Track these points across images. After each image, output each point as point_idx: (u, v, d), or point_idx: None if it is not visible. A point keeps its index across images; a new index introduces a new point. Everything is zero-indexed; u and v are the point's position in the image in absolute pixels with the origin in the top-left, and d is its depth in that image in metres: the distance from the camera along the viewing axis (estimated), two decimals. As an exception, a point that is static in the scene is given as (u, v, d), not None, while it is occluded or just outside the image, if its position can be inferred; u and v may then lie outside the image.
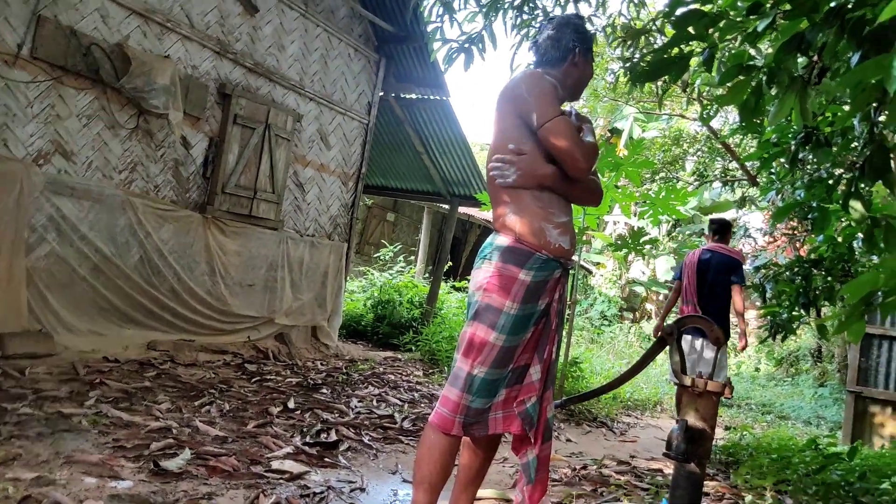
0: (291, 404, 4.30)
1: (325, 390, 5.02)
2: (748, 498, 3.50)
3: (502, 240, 2.18)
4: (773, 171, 4.16)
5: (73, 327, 4.67)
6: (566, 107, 2.50)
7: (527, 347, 2.18)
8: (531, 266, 2.14)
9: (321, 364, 6.24)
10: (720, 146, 10.86)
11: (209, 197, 5.66)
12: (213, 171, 5.66)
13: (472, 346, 2.14)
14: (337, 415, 4.29)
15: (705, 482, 3.78)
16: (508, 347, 2.13)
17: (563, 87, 2.35)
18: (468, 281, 8.93)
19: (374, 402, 4.90)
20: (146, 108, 4.91)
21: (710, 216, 6.14)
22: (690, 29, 2.43)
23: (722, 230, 5.42)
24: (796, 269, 3.44)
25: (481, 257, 2.22)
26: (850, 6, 2.19)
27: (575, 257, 7.22)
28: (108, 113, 4.80)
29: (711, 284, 5.11)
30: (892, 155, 3.82)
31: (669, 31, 3.68)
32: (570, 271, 2.29)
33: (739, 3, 2.40)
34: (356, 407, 4.61)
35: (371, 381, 5.78)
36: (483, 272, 2.18)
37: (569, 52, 2.36)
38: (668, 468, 4.05)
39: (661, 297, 16.75)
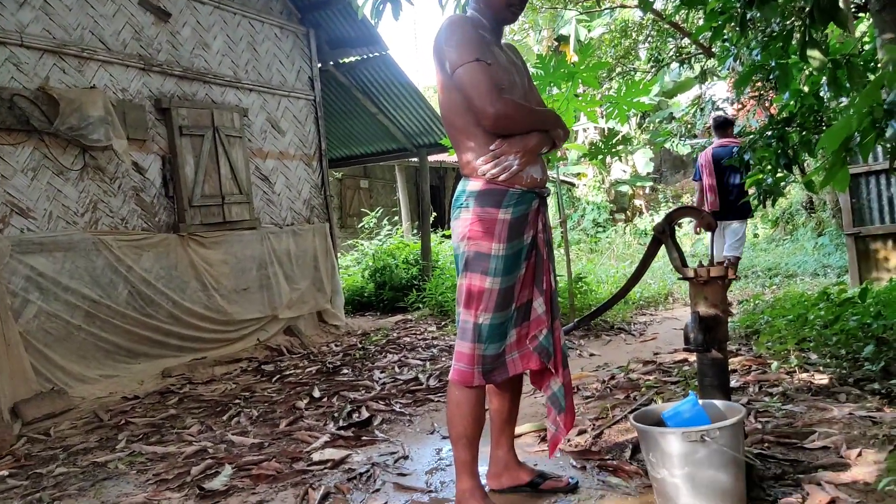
0: (317, 393, 4.33)
1: (345, 371, 5.04)
2: (774, 364, 3.56)
3: (474, 184, 2.14)
4: (725, 38, 4.08)
5: (84, 377, 4.66)
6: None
7: (524, 283, 2.17)
8: (508, 203, 2.11)
9: (335, 346, 6.26)
10: (668, 26, 10.68)
11: (179, 214, 5.56)
12: (174, 188, 5.54)
13: (472, 296, 2.12)
14: (363, 391, 4.32)
15: (731, 358, 3.85)
16: (506, 288, 2.12)
17: (487, 17, 2.21)
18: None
19: (397, 369, 4.93)
20: (88, 145, 4.78)
21: (713, 115, 6.38)
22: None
23: (724, 125, 5.86)
24: (770, 133, 3.41)
25: (457, 206, 2.19)
26: None
27: (553, 173, 7.19)
28: (52, 159, 4.67)
29: (730, 177, 5.58)
30: (837, -8, 3.74)
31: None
32: (548, 198, 2.25)
33: None
34: (380, 378, 4.64)
35: (388, 349, 5.81)
36: (462, 221, 2.15)
37: None
38: (693, 356, 4.11)
39: (646, 191, 16.80)
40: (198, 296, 5.60)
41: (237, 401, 4.32)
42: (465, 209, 2.15)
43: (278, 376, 5.00)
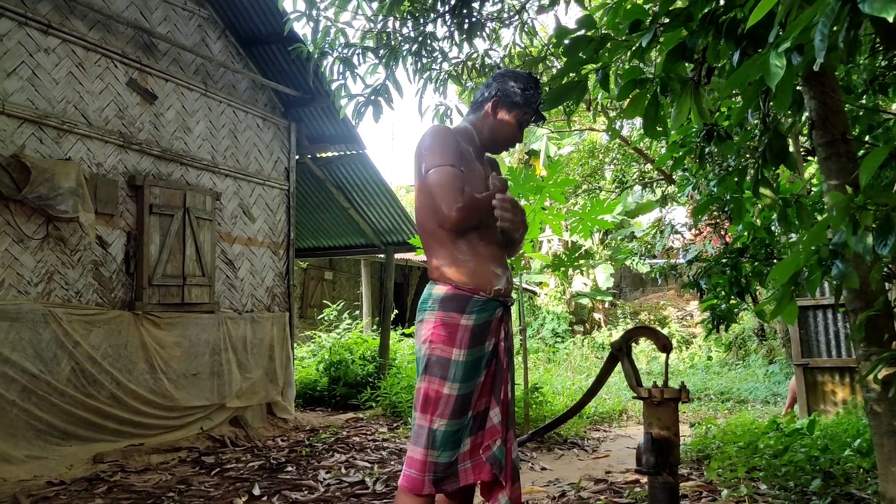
0: (257, 491, 4.13)
1: (290, 468, 4.84)
2: (724, 492, 3.54)
3: (439, 289, 2.18)
4: (685, 168, 4.33)
5: (9, 456, 4.37)
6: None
7: (482, 391, 2.17)
8: (471, 310, 2.14)
9: (282, 440, 6.04)
10: (633, 152, 11.27)
11: (136, 292, 5.46)
12: (136, 265, 5.47)
13: (429, 400, 2.11)
14: (306, 492, 4.14)
15: (681, 483, 3.82)
16: (464, 395, 2.11)
17: (480, 136, 2.36)
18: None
19: (343, 470, 4.76)
20: (54, 215, 4.73)
21: None
22: (581, 54, 2.52)
23: None
24: (725, 261, 3.56)
25: (422, 310, 2.21)
26: (720, 11, 2.33)
27: (516, 280, 7.29)
28: (14, 227, 4.60)
29: None
30: (789, 138, 4.04)
31: (563, 56, 3.81)
32: (511, 306, 2.29)
33: (620, 25, 2.51)
34: (325, 479, 4.46)
35: (336, 448, 5.62)
36: (426, 325, 2.17)
37: (486, 100, 2.36)
38: (645, 478, 4.07)
39: (606, 305, 17.07)
40: (144, 378, 5.40)
41: (171, 493, 4.10)
42: (429, 312, 2.17)
43: (218, 469, 4.77)
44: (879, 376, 2.26)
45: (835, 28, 1.47)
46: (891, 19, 1.24)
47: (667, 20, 2.42)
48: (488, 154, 2.48)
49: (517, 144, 2.41)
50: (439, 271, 2.20)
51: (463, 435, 2.13)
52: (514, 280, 9.51)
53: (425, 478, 2.06)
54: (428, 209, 2.19)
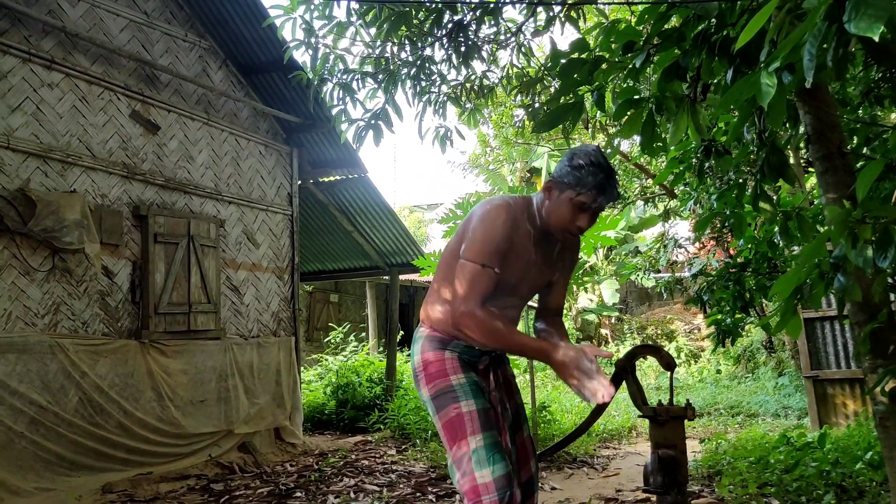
0: (266, 518, 4.11)
1: (298, 493, 4.82)
2: (737, 508, 3.51)
3: (423, 331, 2.26)
4: (686, 183, 4.35)
5: (19, 489, 4.37)
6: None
7: (498, 418, 2.17)
8: (452, 349, 2.20)
9: (290, 465, 6.01)
10: (634, 167, 11.30)
11: (143, 321, 5.48)
12: (141, 294, 5.50)
13: (454, 427, 2.06)
14: (315, 518, 4.12)
15: (692, 500, 3.79)
16: (484, 409, 2.08)
17: (541, 216, 2.17)
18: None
19: (352, 494, 4.74)
20: (60, 247, 4.77)
21: None
22: (576, 76, 2.56)
23: None
24: (728, 275, 3.57)
25: (412, 355, 2.28)
26: (712, 30, 2.36)
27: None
28: (21, 259, 4.63)
29: None
30: (788, 151, 4.06)
31: (559, 76, 3.85)
32: (502, 355, 2.32)
33: (614, 46, 2.54)
34: (334, 505, 4.44)
35: (344, 472, 5.60)
36: (417, 368, 2.22)
37: (549, 181, 2.16)
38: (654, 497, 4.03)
39: (612, 321, 17.01)
40: (151, 406, 5.40)
41: (180, 523, 4.08)
42: (416, 356, 2.24)
43: (227, 497, 4.76)
44: (886, 388, 2.25)
45: (824, 46, 1.49)
46: (877, 38, 1.26)
47: (660, 40, 2.45)
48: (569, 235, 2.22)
49: (581, 228, 2.13)
50: (428, 314, 2.26)
51: (503, 449, 2.05)
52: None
53: (484, 500, 1.94)
54: (449, 280, 2.13)
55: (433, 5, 4.08)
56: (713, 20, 2.29)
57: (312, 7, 4.01)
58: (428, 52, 4.51)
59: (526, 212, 2.17)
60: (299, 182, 7.64)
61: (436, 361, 2.16)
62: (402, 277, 10.09)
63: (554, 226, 2.13)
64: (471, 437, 2.01)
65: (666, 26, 2.47)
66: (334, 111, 4.48)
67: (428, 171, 54.03)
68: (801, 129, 2.70)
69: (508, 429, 2.21)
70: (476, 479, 1.96)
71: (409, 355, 10.04)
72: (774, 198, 3.35)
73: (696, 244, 11.27)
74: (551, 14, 4.16)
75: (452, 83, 4.85)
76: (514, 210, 2.13)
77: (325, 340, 12.02)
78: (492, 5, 4.18)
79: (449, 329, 2.16)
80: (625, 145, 11.62)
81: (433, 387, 2.14)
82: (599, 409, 2.55)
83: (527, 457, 2.27)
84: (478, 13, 4.21)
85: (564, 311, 16.02)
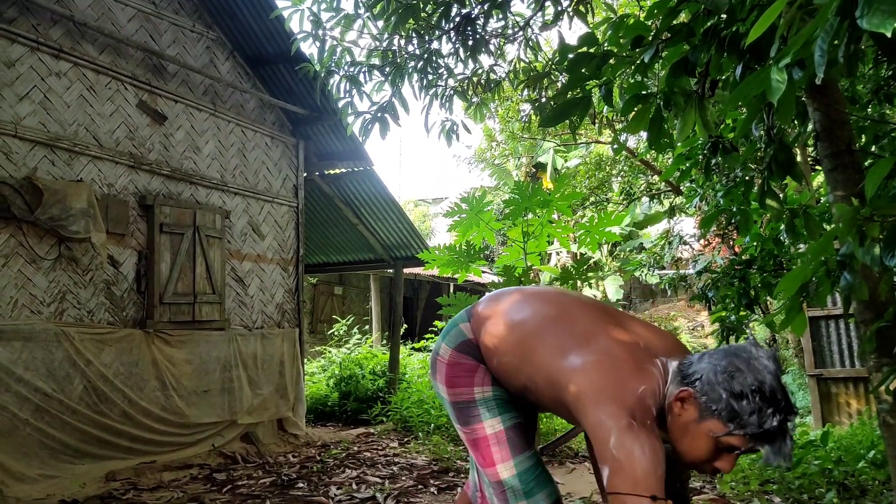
0: (269, 508, 4.14)
1: (301, 484, 4.84)
2: (738, 505, 3.51)
3: (467, 325, 1.94)
4: (692, 179, 4.33)
5: (23, 475, 4.40)
6: None
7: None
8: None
9: (293, 456, 6.04)
10: (640, 163, 11.27)
11: (148, 311, 5.50)
12: (147, 284, 5.52)
13: (480, 449, 1.81)
14: (318, 509, 4.14)
15: (694, 497, 3.79)
16: (512, 426, 1.81)
17: (663, 421, 1.64)
18: (426, 340, 8.77)
19: (354, 486, 4.76)
20: (66, 236, 4.79)
21: None
22: (584, 70, 2.55)
23: None
24: (733, 272, 3.56)
25: (442, 339, 1.97)
26: (722, 25, 2.34)
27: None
28: (27, 248, 4.65)
29: None
30: (795, 148, 4.04)
31: (567, 71, 3.83)
32: None
33: (622, 40, 2.53)
34: (336, 495, 4.46)
35: (347, 463, 5.62)
36: (440, 360, 1.94)
37: (705, 404, 1.54)
38: (657, 490, 4.04)
39: (616, 317, 16.98)
40: (156, 395, 5.43)
41: (183, 511, 4.11)
42: (446, 345, 1.95)
43: (230, 486, 4.78)
44: (891, 387, 2.25)
45: (835, 42, 1.48)
46: (889, 34, 1.25)
47: (669, 35, 2.44)
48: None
49: (717, 471, 1.61)
50: (485, 344, 1.88)
51: (545, 469, 1.82)
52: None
53: None
54: (556, 388, 1.68)
55: (441, -2, 4.07)
56: (723, 15, 2.28)
57: (320, -1, 4.01)
58: (435, 45, 4.50)
59: (652, 396, 1.59)
60: (305, 174, 7.65)
61: (467, 365, 1.86)
62: (406, 271, 10.10)
63: (681, 451, 1.61)
64: (501, 464, 1.75)
65: (675, 21, 2.45)
66: (341, 103, 4.48)
67: (433, 165, 53.99)
68: (810, 127, 2.69)
69: None
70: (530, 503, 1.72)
71: (412, 348, 10.05)
72: (781, 195, 3.33)
73: (701, 241, 11.24)
74: (559, 8, 4.14)
75: (459, 77, 4.84)
76: (649, 399, 1.57)
77: (329, 333, 12.05)
78: (500, -1, 4.16)
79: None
80: (631, 141, 11.59)
81: (453, 394, 1.87)
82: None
83: None
84: (486, 7, 4.20)
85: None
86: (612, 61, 2.52)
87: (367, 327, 12.44)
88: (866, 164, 2.62)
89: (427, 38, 4.45)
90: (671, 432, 1.59)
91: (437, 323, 9.04)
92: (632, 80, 2.71)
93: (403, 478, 5.00)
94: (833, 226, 2.51)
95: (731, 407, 1.46)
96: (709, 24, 2.33)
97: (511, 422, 1.81)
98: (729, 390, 1.47)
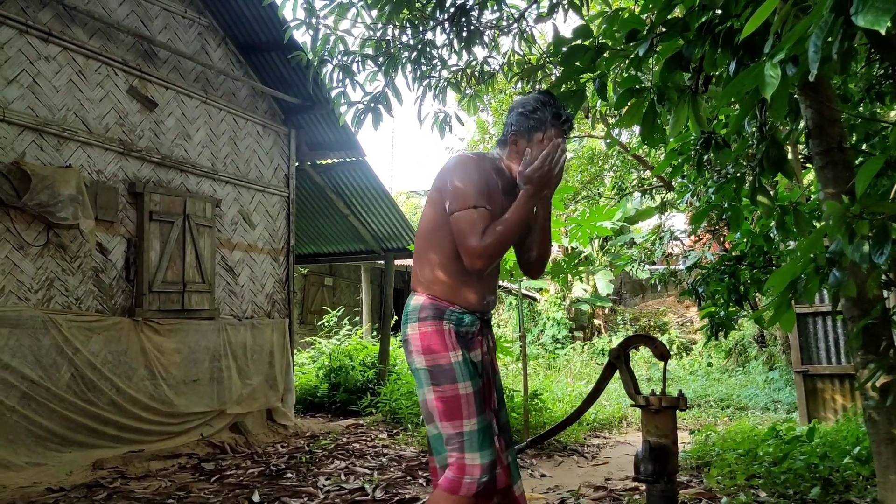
0: (256, 498, 4.13)
1: (289, 474, 4.84)
2: (724, 500, 3.54)
3: (417, 298, 2.23)
4: (683, 175, 4.34)
5: (9, 463, 4.38)
6: None
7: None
8: (448, 318, 2.17)
9: (282, 447, 6.03)
10: (632, 158, 11.29)
11: (136, 299, 5.47)
12: (136, 272, 5.48)
13: (450, 407, 2.10)
14: (305, 499, 4.14)
15: (681, 491, 3.82)
16: (477, 391, 2.13)
17: (510, 170, 2.29)
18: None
19: (343, 477, 4.76)
20: (54, 222, 4.75)
21: None
22: (578, 63, 2.54)
23: None
24: (723, 268, 3.57)
25: (405, 322, 2.24)
26: (716, 20, 2.34)
27: (515, 286, 7.21)
28: (14, 234, 4.61)
29: None
30: (787, 146, 4.06)
31: (561, 64, 3.82)
32: (489, 320, 2.32)
33: (617, 34, 2.52)
34: (324, 486, 4.46)
35: (336, 454, 5.62)
36: (412, 336, 2.20)
37: (509, 134, 2.30)
38: (644, 486, 4.07)
39: (606, 312, 17.06)
40: (144, 384, 5.40)
41: (170, 500, 4.10)
42: (412, 324, 2.21)
43: (218, 476, 4.77)
44: (877, 384, 2.27)
45: (829, 39, 1.48)
46: (883, 32, 1.25)
47: (664, 30, 2.43)
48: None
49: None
50: (421, 283, 2.24)
51: (493, 432, 2.13)
52: (514, 286, 9.46)
53: (464, 480, 2.04)
54: (437, 231, 2.19)
55: (436, -12, 4.05)
56: (718, 11, 2.28)
57: (314, -14, 3.97)
58: (429, 36, 4.48)
59: (492, 165, 2.25)
60: (296, 164, 7.61)
61: (435, 333, 2.14)
62: (397, 263, 10.08)
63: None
64: (466, 419, 2.08)
65: (670, 16, 2.45)
66: (333, 93, 4.45)
67: (426, 156, 53.90)
68: (802, 124, 2.69)
69: (497, 398, 2.27)
70: (465, 459, 2.05)
71: (402, 340, 10.08)
72: (772, 192, 3.35)
73: (692, 237, 11.29)
74: (554, 1, 4.13)
75: (453, 68, 4.82)
76: (482, 162, 2.23)
77: (319, 323, 12.03)
78: (495, -10, 4.14)
79: (445, 291, 2.17)
80: (623, 136, 11.60)
81: (431, 359, 2.13)
82: (590, 399, 2.56)
83: (510, 436, 2.29)
84: (481, -2, 4.18)
85: (559, 301, 16.08)
86: (606, 55, 2.51)
87: (357, 318, 12.44)
88: (857, 161, 2.64)
89: (421, 28, 4.42)
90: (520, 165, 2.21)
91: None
92: (626, 74, 2.71)
93: (392, 469, 5.01)
94: (823, 223, 2.53)
95: (534, 118, 2.25)
96: (704, 19, 2.33)
97: (478, 387, 2.13)
98: (526, 113, 2.27)
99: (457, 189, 2.12)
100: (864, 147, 3.14)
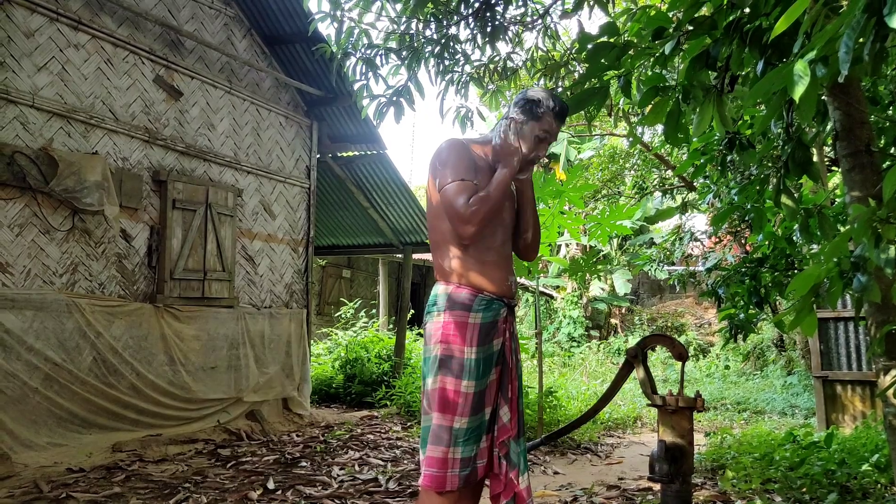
0: (271, 485, 4.18)
1: (304, 463, 4.89)
2: (738, 503, 3.52)
3: (445, 288, 2.24)
4: (706, 175, 4.30)
5: (32, 443, 4.47)
6: None
7: (494, 390, 2.20)
8: (477, 308, 2.19)
9: (297, 436, 6.09)
10: (654, 157, 11.20)
11: (158, 285, 5.54)
12: (158, 259, 5.55)
13: (447, 401, 2.14)
14: (320, 488, 4.18)
15: (695, 493, 3.80)
16: (480, 392, 2.15)
17: (493, 153, 2.36)
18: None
19: (356, 467, 4.79)
20: (80, 208, 4.82)
21: None
22: (603, 60, 2.53)
23: None
24: (744, 270, 3.54)
25: (429, 311, 2.26)
26: (745, 19, 2.32)
27: (532, 283, 7.19)
28: (41, 218, 4.69)
29: None
30: (812, 148, 4.00)
31: (585, 61, 3.80)
32: (515, 307, 2.33)
33: (644, 31, 2.50)
34: (338, 476, 4.50)
35: (350, 445, 5.66)
36: (434, 324, 2.22)
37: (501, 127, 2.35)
38: (658, 486, 4.05)
39: (623, 311, 16.97)
40: (163, 370, 5.48)
41: (187, 485, 4.16)
42: (437, 313, 2.23)
43: (234, 462, 4.83)
44: (899, 391, 2.24)
45: (860, 40, 1.46)
46: (916, 34, 1.24)
47: (691, 28, 2.41)
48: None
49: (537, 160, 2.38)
50: (445, 271, 2.26)
51: (482, 430, 2.16)
52: (531, 283, 9.44)
53: (448, 474, 2.10)
54: (442, 218, 2.24)
55: (462, -18, 4.04)
56: (746, 9, 2.25)
57: (340, -21, 3.99)
58: (453, 30, 4.48)
59: (481, 148, 2.35)
60: (318, 155, 7.65)
61: (457, 325, 2.16)
62: (415, 256, 10.12)
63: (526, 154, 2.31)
64: (459, 416, 2.12)
65: (697, 14, 2.43)
66: (356, 86, 4.47)
67: (446, 151, 53.70)
68: (829, 126, 2.66)
69: (517, 387, 2.29)
70: (447, 452, 2.11)
71: (418, 333, 10.09)
72: (796, 194, 3.31)
73: (713, 238, 11.19)
74: (581, -3, 4.10)
75: (476, 63, 4.81)
76: (469, 143, 2.33)
77: (336, 315, 12.10)
78: (521, -15, 4.13)
79: (469, 278, 2.20)
80: (646, 135, 11.51)
81: (445, 349, 2.16)
82: (605, 398, 2.56)
83: (523, 426, 2.30)
84: (506, -7, 4.17)
85: (576, 299, 16.02)
86: (632, 52, 2.50)
87: (373, 311, 12.49)
88: (885, 165, 2.60)
89: (445, 22, 4.42)
90: (496, 155, 2.32)
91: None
92: (651, 72, 2.69)
93: (405, 461, 5.03)
94: (848, 226, 2.49)
95: (520, 109, 2.31)
96: (732, 17, 2.31)
97: (480, 388, 2.15)
98: (517, 107, 2.33)
99: (444, 168, 2.22)
100: (892, 151, 3.09)
